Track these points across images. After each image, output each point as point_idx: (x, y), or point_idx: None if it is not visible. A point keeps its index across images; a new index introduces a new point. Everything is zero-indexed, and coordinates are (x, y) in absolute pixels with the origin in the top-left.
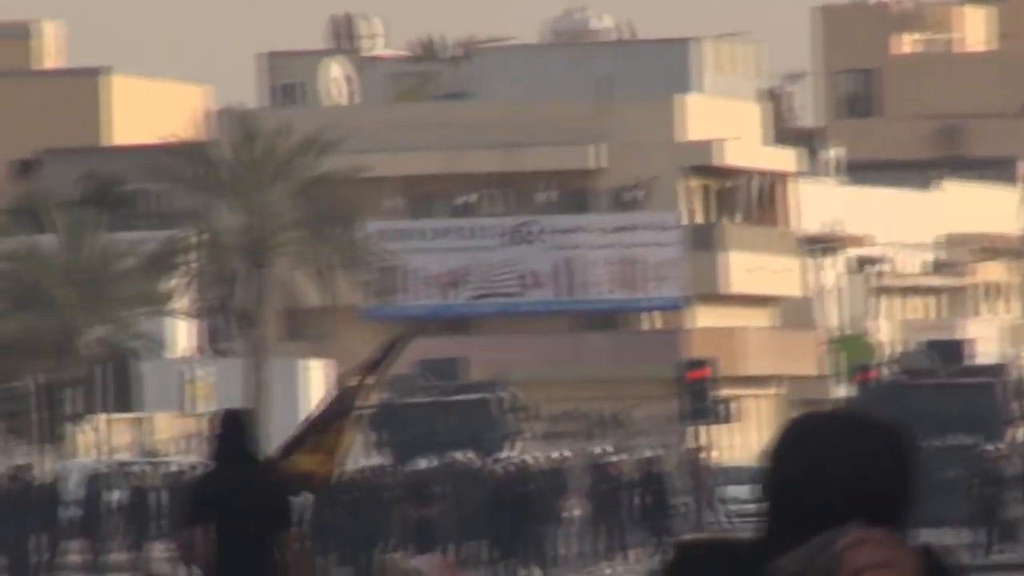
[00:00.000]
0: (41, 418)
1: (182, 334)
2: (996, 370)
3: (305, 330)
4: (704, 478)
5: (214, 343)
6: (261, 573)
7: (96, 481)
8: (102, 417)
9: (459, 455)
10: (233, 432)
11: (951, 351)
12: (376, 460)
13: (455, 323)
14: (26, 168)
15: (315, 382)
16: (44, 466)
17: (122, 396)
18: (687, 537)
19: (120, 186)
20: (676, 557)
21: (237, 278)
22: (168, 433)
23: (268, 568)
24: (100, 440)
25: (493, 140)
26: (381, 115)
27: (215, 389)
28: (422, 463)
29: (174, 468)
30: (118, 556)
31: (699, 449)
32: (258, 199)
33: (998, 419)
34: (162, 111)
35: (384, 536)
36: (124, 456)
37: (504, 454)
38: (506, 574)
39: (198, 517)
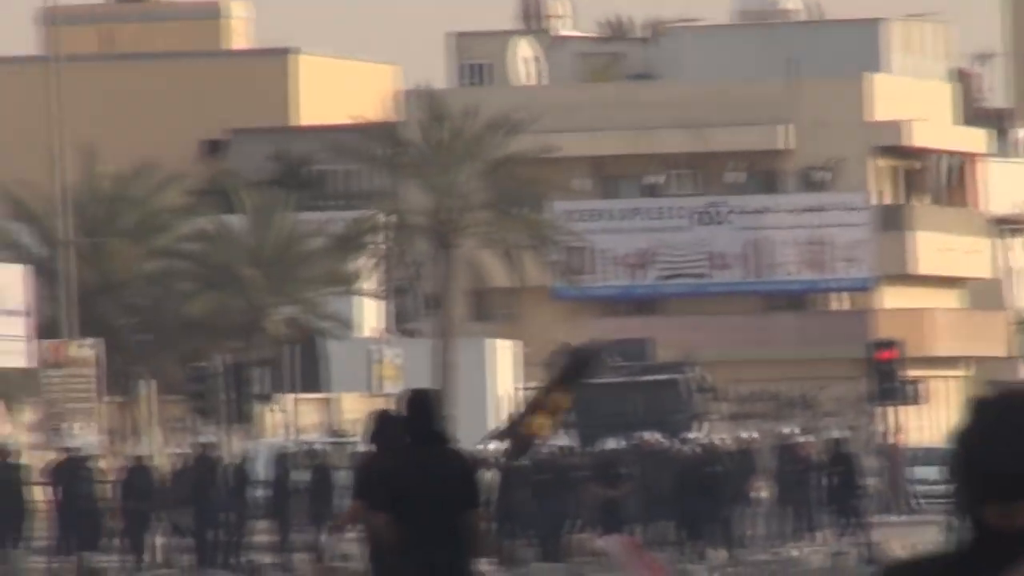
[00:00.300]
0: (229, 398)
1: (369, 314)
2: None
3: (492, 310)
4: (892, 459)
5: (401, 323)
6: (450, 553)
7: (283, 461)
8: (289, 397)
9: (647, 436)
10: (421, 413)
11: None
12: (564, 441)
13: (643, 304)
14: (215, 148)
15: (502, 362)
16: (232, 446)
17: (309, 376)
18: (893, 561)
19: (308, 166)
20: None
21: (425, 258)
22: (355, 413)
23: (457, 548)
24: (287, 420)
25: (682, 120)
26: (569, 95)
27: (402, 370)
28: (610, 444)
29: (361, 449)
30: (304, 536)
31: (887, 430)
32: (446, 179)
33: None
34: (350, 91)
35: (572, 517)
36: (311, 436)
37: (692, 435)
38: (693, 555)
39: (382, 498)
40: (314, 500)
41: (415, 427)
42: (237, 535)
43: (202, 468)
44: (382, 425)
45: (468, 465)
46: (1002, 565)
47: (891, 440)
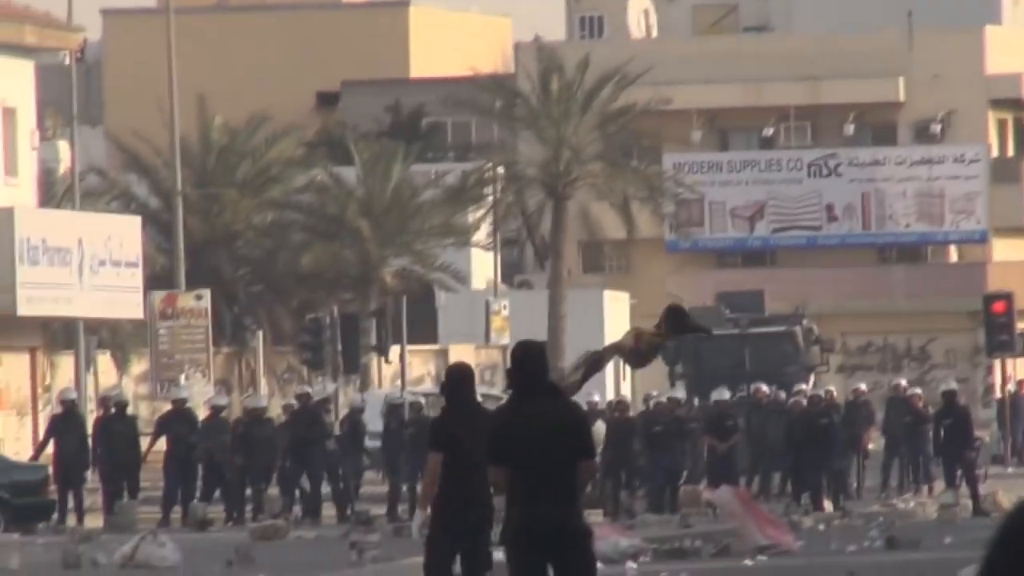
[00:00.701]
0: (340, 350)
1: (481, 266)
2: None
3: (604, 262)
4: (1006, 411)
5: (513, 275)
6: (561, 504)
7: (395, 412)
8: (401, 348)
9: (758, 388)
10: (531, 364)
11: None
12: (675, 393)
13: (755, 256)
14: (329, 100)
15: (614, 314)
16: (344, 397)
17: (421, 328)
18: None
19: (422, 118)
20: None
21: (537, 210)
22: None
23: (571, 498)
24: (399, 371)
25: (796, 72)
26: (683, 48)
27: (514, 321)
28: (723, 395)
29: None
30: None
31: (1000, 382)
32: (559, 131)
33: None
34: (464, 44)
35: (683, 468)
36: (423, 388)
37: (803, 387)
38: (803, 507)
39: (495, 450)
40: (418, 451)
41: (522, 379)
42: (350, 486)
43: (313, 419)
44: (454, 379)
45: (579, 416)
46: None
47: (1007, 391)
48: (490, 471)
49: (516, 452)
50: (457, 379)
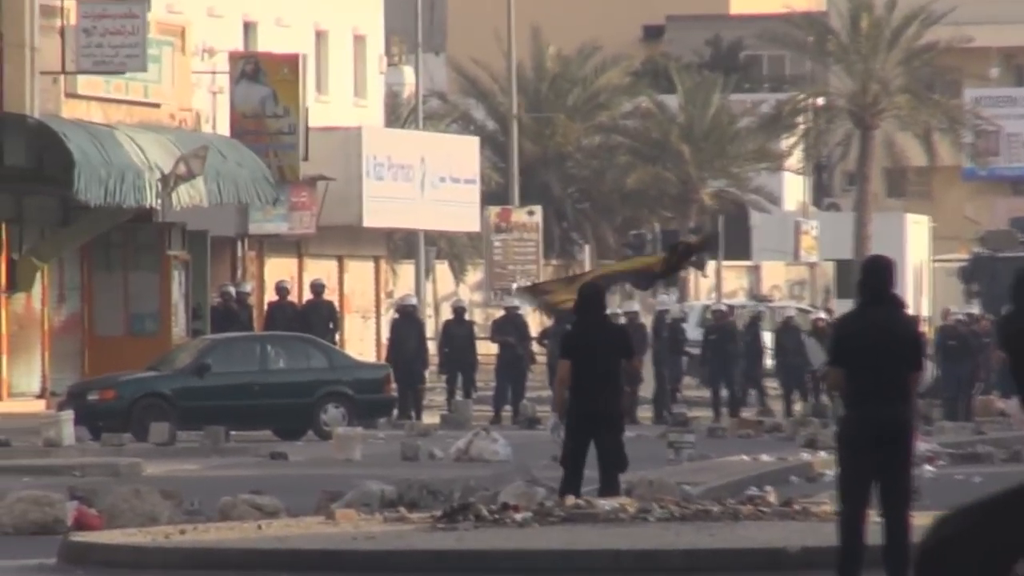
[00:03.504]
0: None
1: (793, 189)
2: None
3: (906, 188)
4: None
5: (822, 198)
6: (895, 403)
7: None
8: (717, 264)
9: None
10: (877, 277)
11: None
12: (970, 309)
13: None
14: (654, 33)
15: (915, 236)
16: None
17: (736, 245)
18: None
19: (740, 52)
20: None
21: (845, 138)
22: (776, 280)
23: (902, 400)
24: (715, 284)
25: None
26: None
27: (822, 240)
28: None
29: (784, 313)
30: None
31: None
32: (867, 66)
33: None
34: None
35: (977, 379)
36: (736, 301)
37: None
38: None
39: (838, 356)
40: (719, 355)
41: (869, 289)
42: (666, 389)
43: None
44: (586, 298)
45: (915, 329)
46: None
47: None
48: (829, 372)
49: (855, 356)
50: (588, 297)
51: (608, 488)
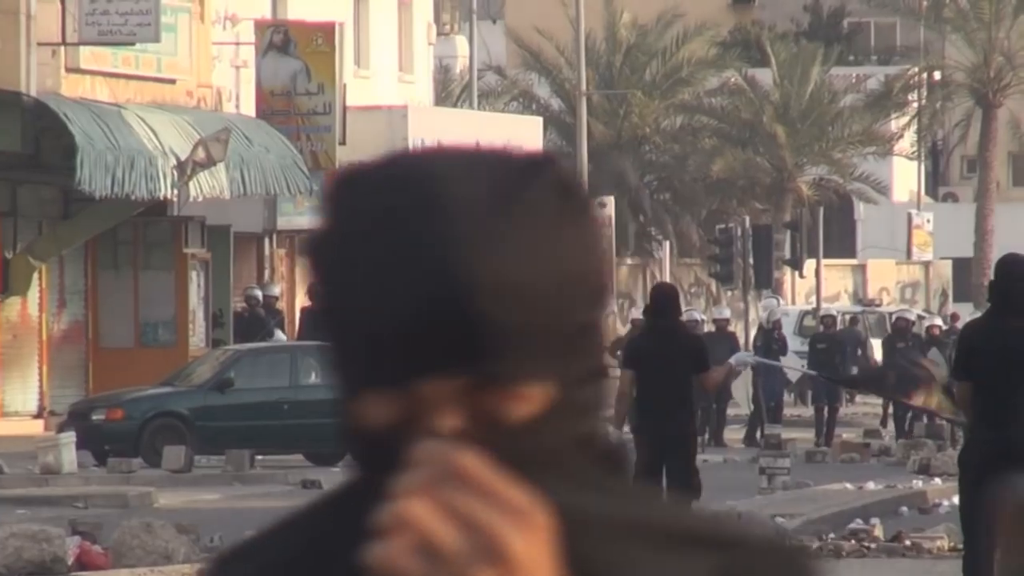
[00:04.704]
0: (752, 263)
1: (904, 177)
2: None
3: None
4: None
5: (938, 187)
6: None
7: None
8: (817, 263)
9: None
10: (1010, 280)
11: None
12: None
13: None
14: None
15: None
16: (756, 313)
17: (839, 241)
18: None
19: (843, 18)
20: None
21: (966, 118)
22: (885, 281)
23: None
24: (815, 286)
25: None
26: None
27: (938, 235)
28: None
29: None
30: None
31: None
32: (991, 34)
33: None
34: None
35: None
36: (839, 305)
37: None
38: None
39: (965, 369)
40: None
41: (1003, 293)
42: (762, 407)
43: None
44: (657, 300)
45: None
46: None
47: None
48: (956, 387)
49: (981, 370)
50: (660, 298)
51: None
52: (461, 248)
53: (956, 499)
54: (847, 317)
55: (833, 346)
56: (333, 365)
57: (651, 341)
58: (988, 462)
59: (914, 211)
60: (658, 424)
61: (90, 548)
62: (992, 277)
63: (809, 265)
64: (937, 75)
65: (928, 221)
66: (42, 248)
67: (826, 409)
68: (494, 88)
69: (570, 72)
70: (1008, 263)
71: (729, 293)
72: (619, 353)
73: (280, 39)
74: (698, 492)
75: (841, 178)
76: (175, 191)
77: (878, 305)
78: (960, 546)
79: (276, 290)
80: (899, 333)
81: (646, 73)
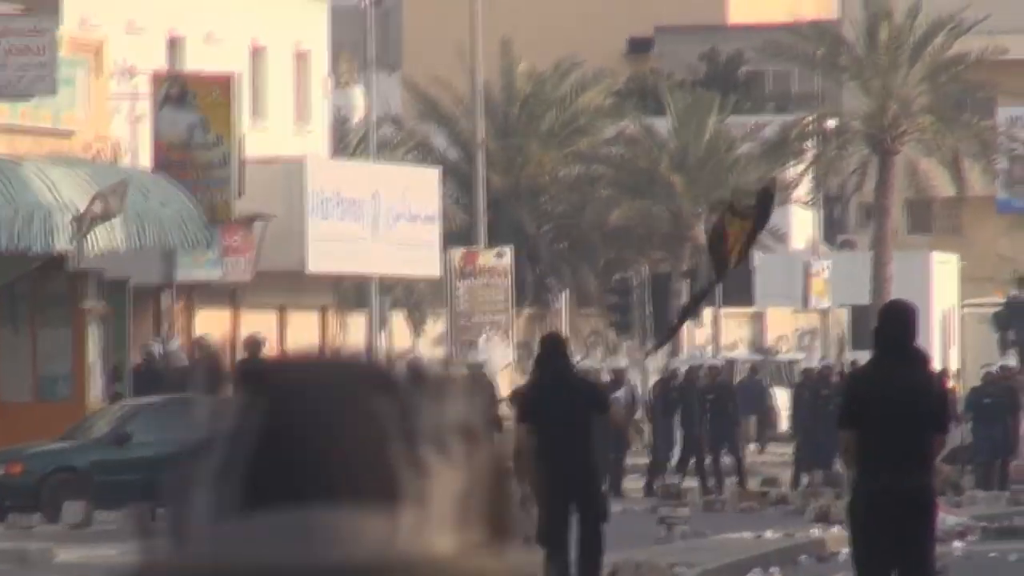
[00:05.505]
0: (652, 312)
1: (802, 225)
2: None
3: (932, 222)
4: None
5: (835, 234)
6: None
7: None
8: (714, 311)
9: None
10: (894, 326)
11: None
12: (1008, 360)
13: None
14: (641, 46)
15: (943, 276)
16: (653, 362)
17: (736, 289)
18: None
19: (739, 66)
20: None
21: (862, 165)
22: (783, 329)
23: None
24: (712, 335)
25: None
26: None
27: (835, 283)
28: None
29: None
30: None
31: None
32: (886, 82)
33: None
34: None
35: (1015, 442)
36: (737, 353)
37: None
38: None
39: (851, 416)
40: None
41: (887, 339)
42: (659, 457)
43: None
44: (548, 348)
45: (940, 384)
46: None
47: None
48: (840, 435)
49: (868, 417)
50: (547, 346)
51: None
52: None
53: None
54: (747, 365)
55: (722, 394)
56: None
57: (544, 391)
58: (876, 510)
59: (812, 259)
60: (561, 467)
61: None
62: (877, 324)
63: (708, 313)
64: (833, 123)
65: (826, 269)
66: None
67: (712, 458)
68: (392, 139)
69: (467, 122)
70: (892, 310)
71: (627, 343)
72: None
73: (177, 92)
74: (606, 515)
75: None
76: (73, 245)
77: (776, 354)
78: None
79: (175, 344)
80: (823, 381)
81: (543, 122)
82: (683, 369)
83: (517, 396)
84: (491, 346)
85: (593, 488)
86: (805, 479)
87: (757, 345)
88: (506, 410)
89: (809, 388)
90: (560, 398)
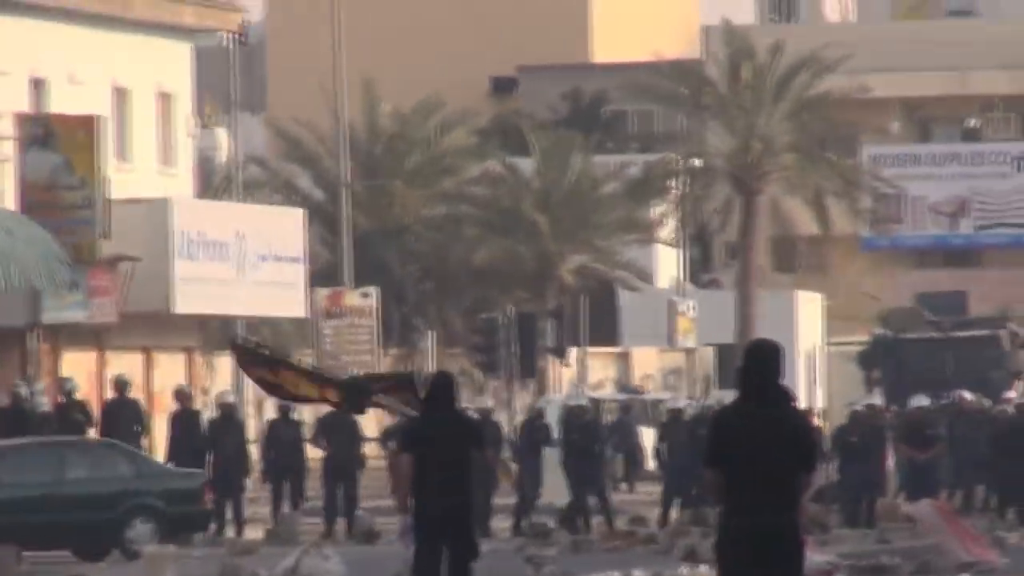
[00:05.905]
0: (518, 351)
1: (666, 264)
2: None
3: (797, 261)
4: None
5: (700, 273)
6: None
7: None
8: (580, 351)
9: (963, 395)
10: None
11: None
12: (873, 399)
13: (958, 255)
14: (504, 86)
15: (808, 316)
16: (520, 402)
17: (602, 329)
18: None
19: (603, 106)
20: None
21: (726, 205)
22: (649, 368)
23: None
24: (578, 375)
25: (1003, 60)
26: (882, 32)
27: (701, 322)
28: (923, 402)
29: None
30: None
31: None
32: (750, 121)
33: None
34: (648, 26)
35: (880, 480)
36: (603, 393)
37: (1010, 394)
38: (1010, 522)
39: (716, 456)
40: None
41: (752, 378)
42: (527, 497)
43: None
44: (437, 386)
45: (806, 425)
46: None
47: None
48: (706, 475)
49: (733, 457)
50: (438, 387)
51: None
52: None
53: None
54: (615, 404)
55: (586, 434)
56: None
57: (429, 424)
58: (743, 549)
59: (677, 298)
60: (439, 501)
61: None
62: (742, 363)
63: (574, 353)
64: (697, 162)
65: (691, 308)
66: None
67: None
68: (257, 179)
69: (332, 162)
70: (756, 349)
71: (494, 383)
72: (390, 443)
73: (41, 132)
74: (476, 554)
75: (604, 266)
76: None
77: (642, 393)
78: None
79: (40, 386)
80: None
81: (408, 162)
82: (551, 409)
83: (399, 431)
84: None
85: (467, 525)
86: (674, 515)
87: (622, 384)
88: (376, 449)
89: (685, 428)
90: (445, 431)
